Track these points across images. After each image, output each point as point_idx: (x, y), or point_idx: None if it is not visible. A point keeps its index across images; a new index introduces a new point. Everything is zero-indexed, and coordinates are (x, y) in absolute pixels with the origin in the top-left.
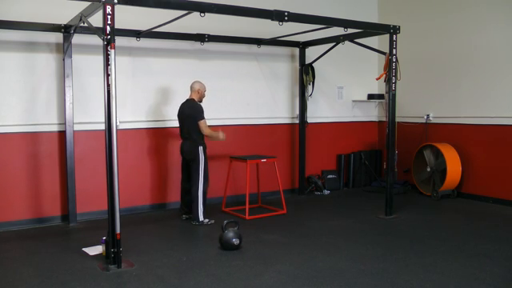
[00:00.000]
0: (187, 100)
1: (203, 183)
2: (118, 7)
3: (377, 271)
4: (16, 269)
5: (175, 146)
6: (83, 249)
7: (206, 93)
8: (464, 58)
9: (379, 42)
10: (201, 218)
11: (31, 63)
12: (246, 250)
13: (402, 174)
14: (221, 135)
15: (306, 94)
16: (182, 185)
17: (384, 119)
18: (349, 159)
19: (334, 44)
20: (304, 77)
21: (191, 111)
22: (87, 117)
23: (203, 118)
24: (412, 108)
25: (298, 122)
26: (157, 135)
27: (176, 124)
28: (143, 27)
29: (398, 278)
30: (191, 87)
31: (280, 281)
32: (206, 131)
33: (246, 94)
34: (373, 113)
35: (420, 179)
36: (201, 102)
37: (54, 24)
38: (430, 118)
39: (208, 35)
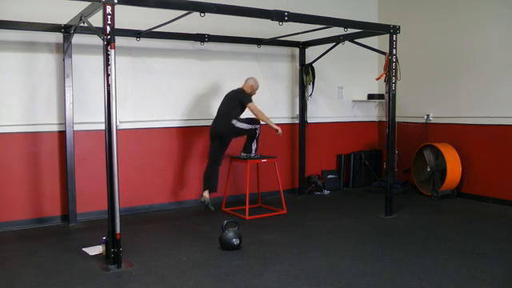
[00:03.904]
0: (238, 88)
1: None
2: (117, 7)
3: (377, 271)
4: (16, 269)
5: (175, 147)
6: (83, 249)
7: (257, 91)
8: (464, 58)
9: (379, 42)
10: (253, 153)
11: (31, 63)
12: (246, 250)
13: (402, 174)
14: (275, 125)
15: (306, 94)
16: (206, 168)
17: (384, 119)
18: (349, 159)
19: (333, 44)
20: (304, 77)
21: (239, 95)
22: (87, 117)
23: (251, 101)
24: (412, 108)
25: (298, 121)
26: (157, 135)
27: (177, 124)
28: (143, 27)
29: (398, 277)
30: (246, 81)
31: (280, 281)
32: (257, 112)
33: None
34: (373, 113)
35: (420, 179)
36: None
37: (54, 24)
38: (430, 118)
39: (208, 35)
